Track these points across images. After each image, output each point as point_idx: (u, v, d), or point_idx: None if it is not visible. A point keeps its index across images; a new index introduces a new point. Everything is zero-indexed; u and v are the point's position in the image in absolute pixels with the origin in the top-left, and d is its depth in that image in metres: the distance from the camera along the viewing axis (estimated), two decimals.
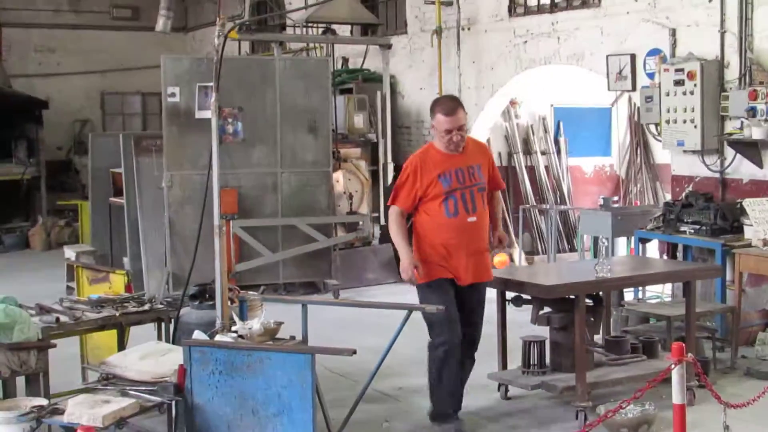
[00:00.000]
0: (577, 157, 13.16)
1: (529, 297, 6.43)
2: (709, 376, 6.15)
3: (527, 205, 12.36)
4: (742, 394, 6.19)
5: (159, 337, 6.31)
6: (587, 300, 6.40)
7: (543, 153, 12.86)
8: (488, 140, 12.36)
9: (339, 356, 5.51)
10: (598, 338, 6.99)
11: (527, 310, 6.60)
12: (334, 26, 12.69)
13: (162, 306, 6.26)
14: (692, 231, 8.27)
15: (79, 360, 7.06)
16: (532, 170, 12.81)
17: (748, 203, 7.88)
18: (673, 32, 9.08)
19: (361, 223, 11.22)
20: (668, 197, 10.17)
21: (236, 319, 5.67)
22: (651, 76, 9.34)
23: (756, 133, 8.10)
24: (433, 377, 6.00)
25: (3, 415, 4.51)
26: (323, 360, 6.59)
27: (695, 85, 8.61)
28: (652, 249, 9.55)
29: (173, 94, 10.23)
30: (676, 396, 4.67)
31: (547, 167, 12.87)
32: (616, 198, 11.66)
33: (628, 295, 8.88)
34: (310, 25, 12.66)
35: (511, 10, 11.26)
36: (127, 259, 10.69)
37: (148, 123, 19.35)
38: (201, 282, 6.49)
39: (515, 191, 12.71)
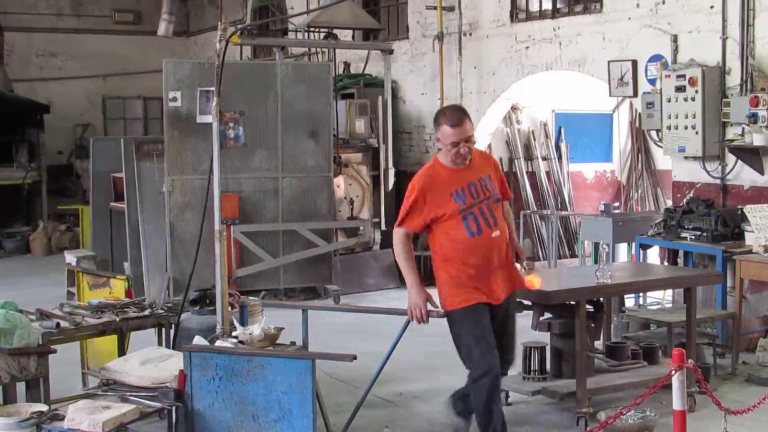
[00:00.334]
0: (578, 163, 13.15)
1: (529, 303, 6.42)
2: (709, 383, 6.14)
3: (528, 211, 12.36)
4: (742, 401, 6.19)
5: (159, 343, 6.32)
6: (588, 306, 6.39)
7: (544, 158, 12.85)
8: (489, 146, 12.38)
9: (339, 362, 5.53)
10: (598, 344, 6.98)
11: (528, 315, 6.59)
12: (335, 31, 12.70)
13: (162, 311, 6.27)
14: (693, 237, 8.27)
15: (80, 365, 7.05)
16: (533, 176, 12.81)
17: (749, 209, 7.87)
18: (675, 38, 9.09)
19: (361, 228, 11.21)
20: (669, 203, 10.17)
21: (236, 324, 5.68)
22: (652, 82, 9.35)
23: (757, 140, 8.10)
24: (480, 414, 5.41)
25: (3, 421, 4.51)
26: (324, 365, 6.61)
27: (696, 91, 8.61)
28: (653, 255, 9.55)
29: (175, 99, 10.22)
30: (677, 402, 4.66)
31: (548, 173, 12.87)
32: (617, 204, 11.66)
33: (629, 301, 8.87)
34: (311, 30, 12.66)
35: (513, 16, 11.27)
36: (128, 264, 10.67)
37: (150, 127, 19.37)
38: (201, 287, 6.50)
39: (516, 197, 12.69)
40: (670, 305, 8.77)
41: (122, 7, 19.43)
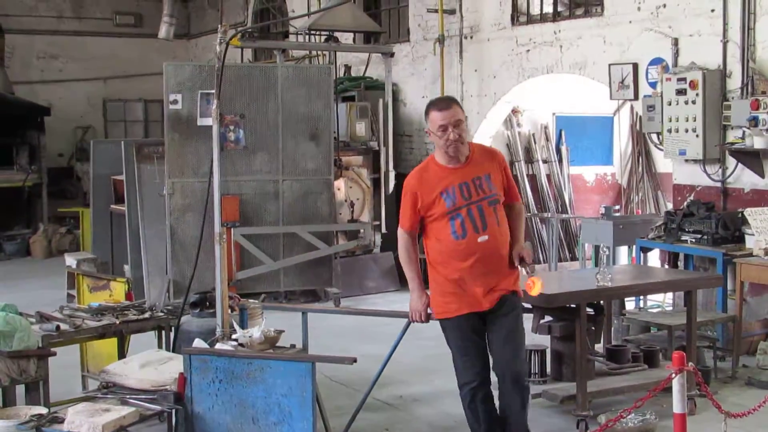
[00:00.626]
0: (579, 166, 13.14)
1: (530, 306, 6.41)
2: (709, 386, 6.13)
3: (528, 214, 12.35)
4: (743, 404, 6.19)
5: (159, 345, 6.32)
6: (588, 309, 6.39)
7: (545, 161, 12.85)
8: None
9: (339, 365, 5.53)
10: (599, 347, 6.98)
11: (528, 318, 6.58)
12: (336, 34, 12.71)
13: (162, 314, 6.26)
14: (693, 240, 8.27)
15: (80, 368, 7.05)
16: (533, 178, 12.80)
17: (750, 212, 7.87)
18: (676, 41, 9.09)
19: (362, 231, 11.21)
20: (670, 206, 10.17)
21: (236, 327, 5.68)
22: (653, 85, 9.35)
23: (758, 143, 8.10)
24: (468, 421, 5.38)
25: (3, 424, 4.50)
26: (324, 368, 6.60)
27: (697, 94, 8.61)
28: (654, 258, 9.54)
29: (175, 101, 10.23)
30: (677, 405, 4.66)
31: (548, 176, 12.86)
32: (617, 207, 11.64)
33: (629, 304, 8.86)
34: (312, 32, 12.67)
35: (514, 19, 11.28)
36: (128, 266, 10.68)
37: (150, 130, 19.37)
38: (202, 290, 6.50)
39: None
40: (671, 308, 8.77)
41: (123, 9, 19.44)
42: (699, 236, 8.21)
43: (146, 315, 6.14)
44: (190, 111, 10.08)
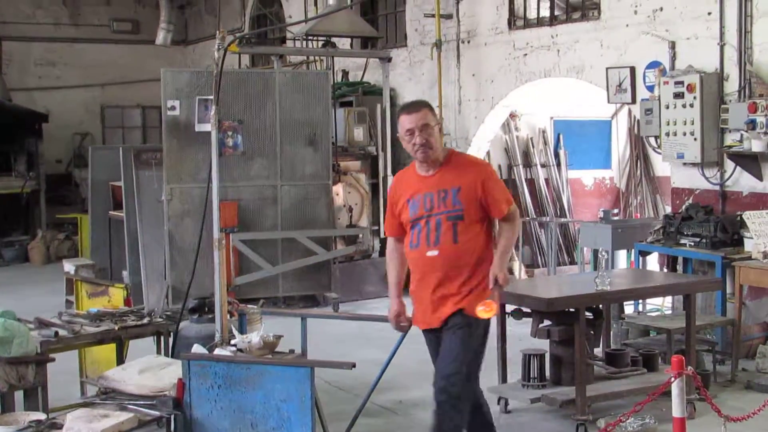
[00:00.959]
0: (577, 170, 13.17)
1: (529, 310, 6.42)
2: (709, 389, 6.14)
3: (527, 218, 12.36)
4: (742, 407, 6.19)
5: (158, 351, 6.30)
6: (587, 313, 6.38)
7: (543, 165, 12.87)
8: (488, 153, 12.38)
9: (339, 370, 5.52)
10: (598, 351, 6.98)
11: (527, 323, 6.59)
12: (334, 39, 12.72)
13: (161, 319, 6.25)
14: (692, 244, 8.26)
15: (78, 374, 7.04)
16: (531, 183, 12.82)
17: (748, 216, 7.87)
18: (673, 45, 9.10)
19: (360, 236, 11.21)
20: (668, 210, 10.17)
21: (235, 332, 5.67)
22: (651, 88, 9.35)
23: (756, 146, 8.10)
24: None
25: (2, 430, 4.50)
26: (323, 373, 6.60)
27: (695, 97, 8.62)
28: (652, 262, 9.54)
29: (173, 107, 10.25)
30: (677, 409, 4.66)
31: (547, 180, 12.88)
32: (616, 210, 11.67)
33: (628, 308, 8.86)
34: (310, 38, 12.68)
35: (511, 23, 11.29)
36: (127, 272, 10.68)
37: (148, 136, 19.36)
38: (200, 295, 6.49)
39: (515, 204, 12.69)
40: (670, 312, 8.76)
41: (120, 16, 19.42)
42: (698, 240, 8.21)
43: (145, 321, 6.13)
44: (188, 117, 10.09)
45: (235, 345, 5.44)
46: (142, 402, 4.79)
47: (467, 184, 4.95)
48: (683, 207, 8.82)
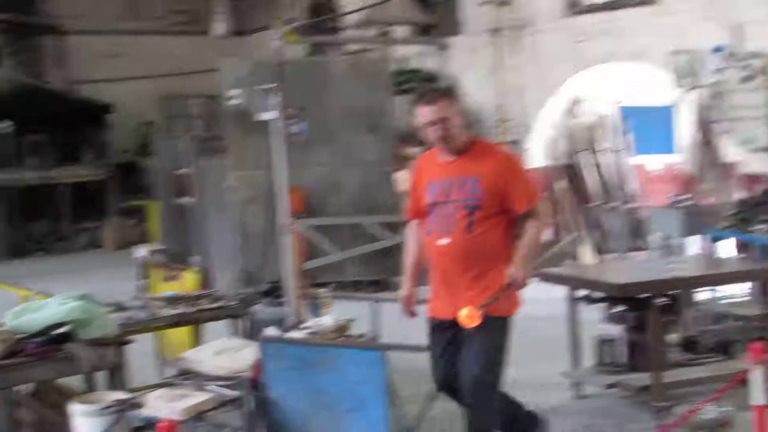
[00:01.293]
0: (643, 155, 12.97)
1: (602, 295, 6.35)
2: None
3: (593, 204, 12.23)
4: None
5: (232, 334, 6.36)
6: (660, 299, 6.29)
7: (608, 151, 12.71)
8: (551, 139, 12.28)
9: (411, 353, 5.51)
10: (673, 337, 6.86)
11: (599, 308, 6.53)
12: (391, 27, 12.71)
13: (234, 303, 6.30)
14: (765, 229, 8.10)
15: (156, 356, 7.13)
16: (596, 169, 12.67)
17: None
18: (738, 28, 8.88)
19: None
20: (740, 195, 9.98)
21: (308, 315, 5.70)
22: (716, 72, 9.17)
23: None
24: None
25: (86, 409, 4.58)
26: (395, 357, 6.59)
27: (762, 81, 8.42)
28: (725, 247, 9.36)
29: (234, 97, 10.31)
30: (756, 397, 4.57)
31: (612, 165, 12.72)
32: (685, 196, 11.48)
33: (702, 294, 8.70)
34: (367, 26, 12.69)
35: (570, 9, 11.15)
36: (197, 257, 10.79)
37: (210, 125, 19.56)
38: (271, 279, 6.54)
39: (580, 190, 12.59)
40: (745, 298, 8.58)
41: (178, 8, 19.65)
42: None
43: (219, 304, 6.19)
44: (248, 106, 10.16)
45: (308, 328, 5.47)
46: (219, 383, 4.84)
47: (488, 174, 4.74)
48: (756, 192, 8.65)
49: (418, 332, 8.16)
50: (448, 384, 4.93)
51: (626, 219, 12.00)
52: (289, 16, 16.53)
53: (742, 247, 8.55)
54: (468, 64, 13.03)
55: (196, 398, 4.58)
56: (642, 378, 6.19)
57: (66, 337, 4.99)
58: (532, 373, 7.26)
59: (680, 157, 13.21)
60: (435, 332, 4.98)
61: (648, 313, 6.12)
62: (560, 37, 11.27)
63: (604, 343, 6.47)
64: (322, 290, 6.63)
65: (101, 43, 18.88)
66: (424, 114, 4.74)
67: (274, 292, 6.25)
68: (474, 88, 12.97)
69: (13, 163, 15.72)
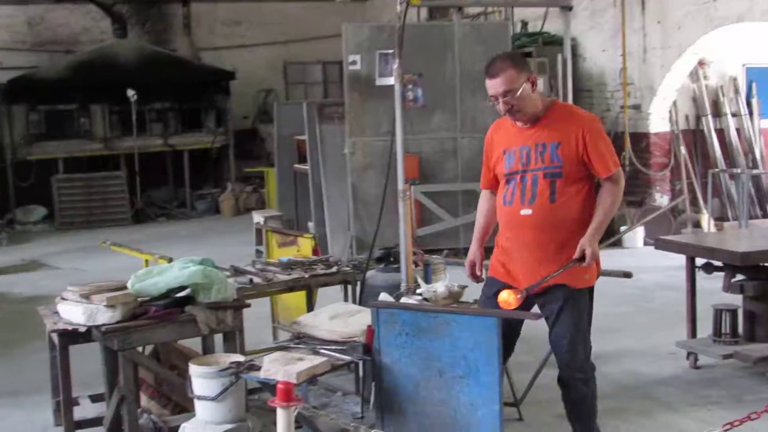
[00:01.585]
0: None
1: (720, 264, 6.20)
2: None
3: (716, 170, 11.89)
4: None
5: (345, 299, 6.48)
6: None
7: (734, 115, 12.31)
8: (675, 103, 11.97)
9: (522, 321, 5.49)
10: None
11: (717, 277, 6.38)
12: None
13: (348, 269, 6.41)
14: None
15: (270, 320, 7.33)
16: (721, 133, 12.30)
17: None
18: None
19: None
20: None
21: (421, 282, 5.74)
22: None
23: None
24: None
25: (204, 370, 4.74)
26: None
27: None
28: None
29: (354, 62, 10.41)
30: None
31: (738, 130, 12.32)
32: None
33: None
34: None
35: None
36: (312, 223, 10.99)
37: (329, 91, 19.76)
38: (384, 246, 6.61)
39: (704, 155, 12.26)
40: None
41: None
42: None
43: (333, 269, 6.30)
44: (368, 71, 10.23)
45: (420, 294, 5.52)
46: (333, 347, 4.93)
47: (568, 138, 4.53)
48: None
49: None
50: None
51: (750, 185, 11.60)
52: None
53: None
54: (590, 27, 12.76)
55: (311, 362, 4.67)
56: (760, 349, 6.05)
57: (186, 301, 5.18)
58: (647, 342, 7.19)
59: None
60: (489, 288, 4.80)
61: None
62: None
63: (722, 312, 6.32)
64: (435, 257, 6.67)
65: (223, 10, 19.24)
66: (489, 88, 4.59)
67: (387, 258, 6.31)
68: (596, 51, 12.71)
69: (137, 130, 16.21)
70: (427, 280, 5.96)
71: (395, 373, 4.82)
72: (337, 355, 4.84)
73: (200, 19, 18.97)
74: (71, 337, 5.04)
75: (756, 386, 6.08)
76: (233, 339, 5.34)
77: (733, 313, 6.35)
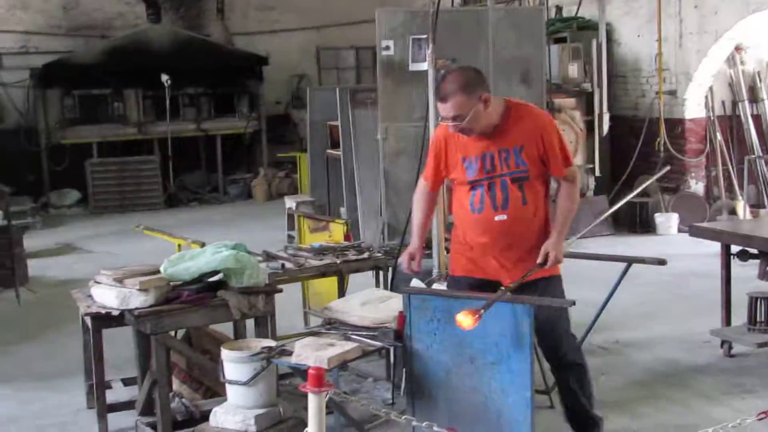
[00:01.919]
0: None
1: (755, 251, 6.13)
2: None
3: (753, 156, 11.75)
4: None
5: (377, 285, 6.48)
6: None
7: None
8: (711, 88, 11.84)
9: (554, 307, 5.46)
10: None
11: (753, 264, 6.31)
12: None
13: (380, 255, 6.40)
14: None
15: (301, 305, 7.35)
16: (758, 119, 12.14)
17: None
18: None
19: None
20: None
21: None
22: None
23: None
24: None
25: (236, 355, 4.77)
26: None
27: None
28: None
29: (387, 47, 10.34)
30: None
31: None
32: None
33: None
34: None
35: None
36: (344, 209, 10.98)
37: (362, 76, 19.70)
38: None
39: (740, 141, 12.12)
40: None
41: None
42: None
43: (365, 255, 6.31)
44: (402, 57, 10.17)
45: None
46: (364, 333, 4.93)
47: (529, 141, 4.58)
48: None
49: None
50: None
51: None
52: None
53: None
54: (625, 12, 12.63)
55: (342, 347, 4.67)
56: None
57: (219, 285, 5.20)
58: (681, 330, 7.15)
59: None
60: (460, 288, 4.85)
61: None
62: None
63: (758, 300, 6.26)
64: None
65: None
66: (440, 109, 4.59)
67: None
68: (631, 36, 12.58)
69: (170, 115, 16.28)
70: None
71: (426, 360, 4.81)
72: (368, 341, 4.84)
73: (234, 4, 18.97)
74: (104, 320, 5.09)
75: None
76: (265, 324, 5.36)
77: None
